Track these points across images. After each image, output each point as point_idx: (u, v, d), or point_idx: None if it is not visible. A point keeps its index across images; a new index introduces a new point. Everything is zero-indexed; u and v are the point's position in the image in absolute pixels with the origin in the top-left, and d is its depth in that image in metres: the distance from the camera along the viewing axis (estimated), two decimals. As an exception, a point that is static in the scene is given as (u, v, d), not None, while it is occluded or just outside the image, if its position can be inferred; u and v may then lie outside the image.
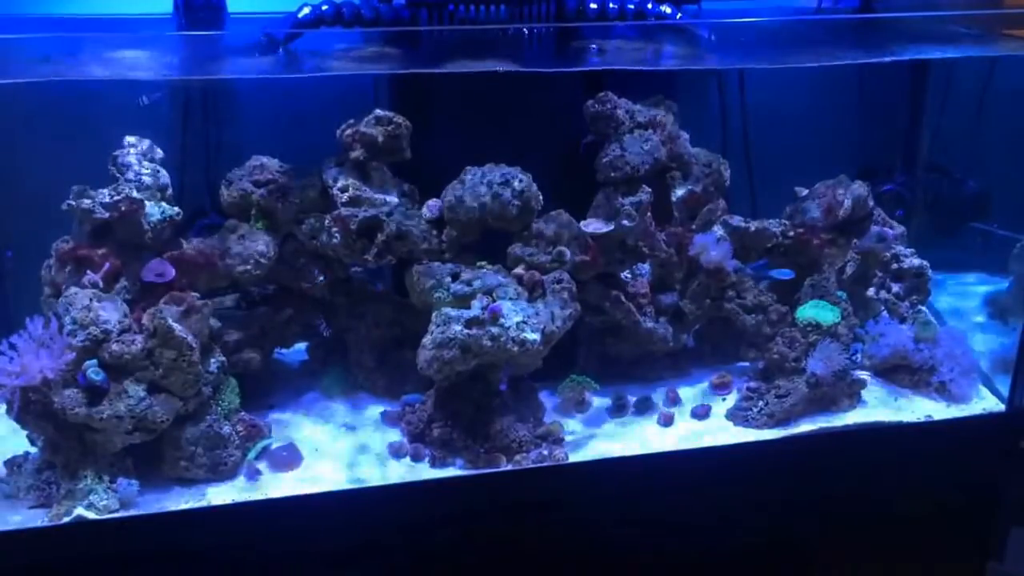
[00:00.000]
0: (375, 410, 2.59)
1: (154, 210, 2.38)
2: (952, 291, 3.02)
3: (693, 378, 2.76)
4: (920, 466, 2.51)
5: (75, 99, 2.55)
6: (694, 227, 2.72)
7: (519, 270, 2.47)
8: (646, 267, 2.68)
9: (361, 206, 2.48)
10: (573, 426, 2.53)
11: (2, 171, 2.68)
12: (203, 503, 2.21)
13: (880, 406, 2.59)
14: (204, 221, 2.67)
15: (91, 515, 2.11)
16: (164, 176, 2.46)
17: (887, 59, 2.70)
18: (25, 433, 2.28)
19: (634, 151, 2.55)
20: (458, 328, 2.29)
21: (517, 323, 2.30)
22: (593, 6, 2.48)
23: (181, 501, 2.22)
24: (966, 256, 3.17)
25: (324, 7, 2.37)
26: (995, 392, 2.65)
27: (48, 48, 2.31)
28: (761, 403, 2.54)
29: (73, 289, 2.22)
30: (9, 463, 2.28)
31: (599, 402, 2.63)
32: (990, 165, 3.14)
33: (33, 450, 2.27)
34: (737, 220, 2.74)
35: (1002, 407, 2.60)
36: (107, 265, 2.28)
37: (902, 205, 3.06)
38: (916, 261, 2.77)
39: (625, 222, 2.53)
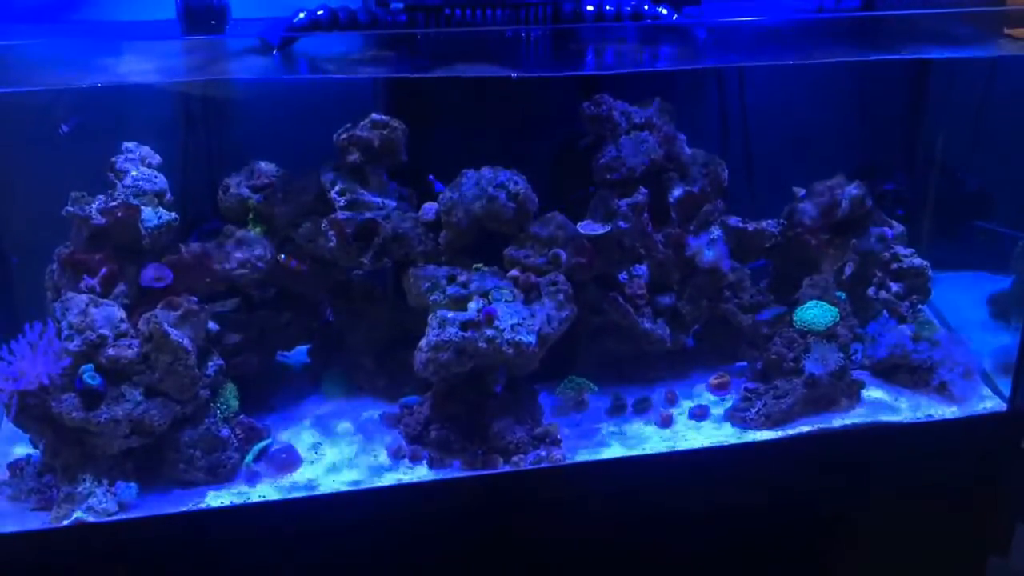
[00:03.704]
0: (375, 411, 2.60)
1: (151, 215, 2.40)
2: (954, 290, 3.00)
3: (691, 379, 2.76)
4: (920, 466, 2.50)
5: (78, 104, 2.57)
6: (691, 228, 2.71)
7: (515, 272, 2.48)
8: (643, 268, 2.68)
9: (358, 209, 2.49)
10: (571, 427, 2.53)
11: (9, 177, 2.70)
12: (202, 505, 2.23)
13: (879, 406, 2.58)
14: (206, 227, 2.68)
15: (90, 518, 2.13)
16: (162, 181, 2.48)
17: (880, 57, 2.68)
18: (28, 437, 2.31)
19: (630, 153, 2.55)
20: (453, 330, 2.30)
21: (512, 325, 2.30)
22: (590, 8, 2.48)
23: (180, 503, 2.23)
24: (968, 255, 3.14)
25: (319, 12, 2.38)
26: (997, 392, 2.64)
27: (45, 50, 2.33)
28: (759, 404, 2.53)
29: (69, 294, 2.24)
30: (12, 466, 2.30)
31: (597, 403, 2.63)
32: (992, 163, 3.12)
33: (36, 453, 2.29)
34: (735, 220, 2.73)
35: (1004, 406, 2.58)
36: (104, 270, 2.30)
37: (902, 204, 3.04)
38: (916, 261, 2.74)
39: (622, 223, 2.53)
